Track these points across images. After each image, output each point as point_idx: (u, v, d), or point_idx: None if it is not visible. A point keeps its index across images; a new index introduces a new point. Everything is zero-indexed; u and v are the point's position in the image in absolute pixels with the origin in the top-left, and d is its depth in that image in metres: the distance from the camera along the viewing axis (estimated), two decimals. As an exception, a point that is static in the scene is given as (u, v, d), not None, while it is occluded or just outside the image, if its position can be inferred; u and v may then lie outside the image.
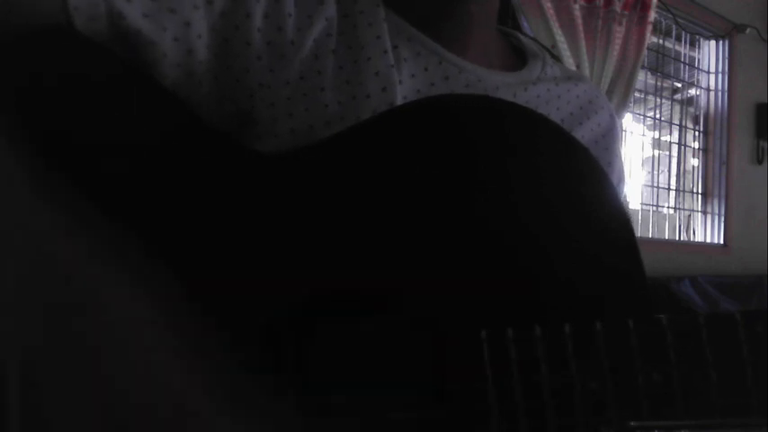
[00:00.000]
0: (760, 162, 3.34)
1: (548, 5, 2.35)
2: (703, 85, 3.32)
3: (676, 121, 3.30)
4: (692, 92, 3.36)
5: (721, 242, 3.20)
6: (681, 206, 3.27)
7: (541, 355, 0.35)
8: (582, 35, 2.45)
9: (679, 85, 3.34)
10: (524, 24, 2.31)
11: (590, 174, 0.40)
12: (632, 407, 0.35)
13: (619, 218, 0.40)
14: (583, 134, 0.59)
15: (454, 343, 0.36)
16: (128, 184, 0.38)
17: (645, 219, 3.08)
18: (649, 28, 2.66)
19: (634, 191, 3.09)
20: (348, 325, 0.39)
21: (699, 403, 0.35)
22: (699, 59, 3.33)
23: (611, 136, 0.62)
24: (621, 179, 0.65)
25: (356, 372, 0.39)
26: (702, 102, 3.33)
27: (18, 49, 0.37)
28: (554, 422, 0.35)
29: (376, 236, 0.38)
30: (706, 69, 3.31)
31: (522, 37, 0.63)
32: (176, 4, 0.42)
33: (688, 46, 3.27)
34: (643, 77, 3.01)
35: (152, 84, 0.42)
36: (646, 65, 2.93)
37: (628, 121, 2.97)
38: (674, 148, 3.29)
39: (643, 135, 3.24)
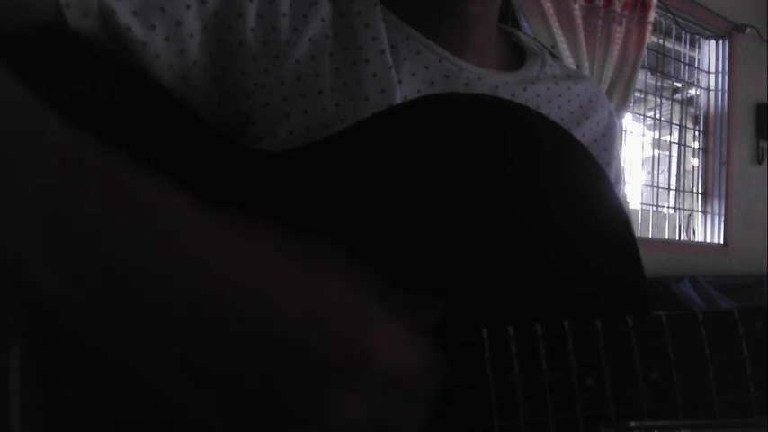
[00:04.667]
0: (760, 162, 3.34)
1: (548, 5, 2.35)
2: (703, 85, 3.32)
3: (676, 121, 3.29)
4: (692, 92, 3.36)
5: (721, 242, 3.20)
6: (681, 206, 3.27)
7: (542, 353, 0.35)
8: (582, 35, 2.45)
9: (679, 85, 3.34)
10: (524, 24, 2.31)
11: (589, 172, 0.41)
12: (631, 404, 0.35)
13: (618, 216, 0.40)
14: (582, 133, 0.59)
15: (455, 340, 0.36)
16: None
17: (645, 219, 3.08)
18: (649, 28, 2.65)
19: (634, 191, 3.08)
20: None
21: (698, 401, 0.35)
22: (699, 59, 3.33)
23: (610, 136, 0.62)
24: (620, 179, 0.65)
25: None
26: (702, 102, 3.33)
27: (12, 48, 0.37)
28: (553, 419, 0.35)
29: (374, 234, 0.38)
30: (706, 69, 3.31)
31: (522, 35, 0.63)
32: (167, 3, 0.42)
33: (688, 46, 3.27)
34: (643, 77, 3.01)
35: (149, 83, 0.42)
36: (646, 65, 2.93)
37: (628, 121, 2.97)
38: (674, 148, 3.29)
39: (643, 135, 3.24)
